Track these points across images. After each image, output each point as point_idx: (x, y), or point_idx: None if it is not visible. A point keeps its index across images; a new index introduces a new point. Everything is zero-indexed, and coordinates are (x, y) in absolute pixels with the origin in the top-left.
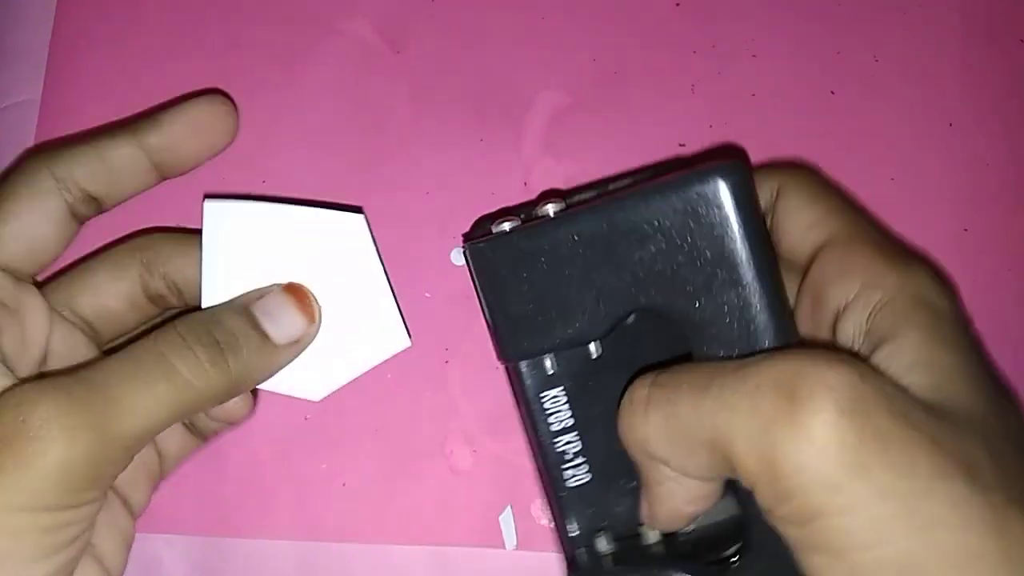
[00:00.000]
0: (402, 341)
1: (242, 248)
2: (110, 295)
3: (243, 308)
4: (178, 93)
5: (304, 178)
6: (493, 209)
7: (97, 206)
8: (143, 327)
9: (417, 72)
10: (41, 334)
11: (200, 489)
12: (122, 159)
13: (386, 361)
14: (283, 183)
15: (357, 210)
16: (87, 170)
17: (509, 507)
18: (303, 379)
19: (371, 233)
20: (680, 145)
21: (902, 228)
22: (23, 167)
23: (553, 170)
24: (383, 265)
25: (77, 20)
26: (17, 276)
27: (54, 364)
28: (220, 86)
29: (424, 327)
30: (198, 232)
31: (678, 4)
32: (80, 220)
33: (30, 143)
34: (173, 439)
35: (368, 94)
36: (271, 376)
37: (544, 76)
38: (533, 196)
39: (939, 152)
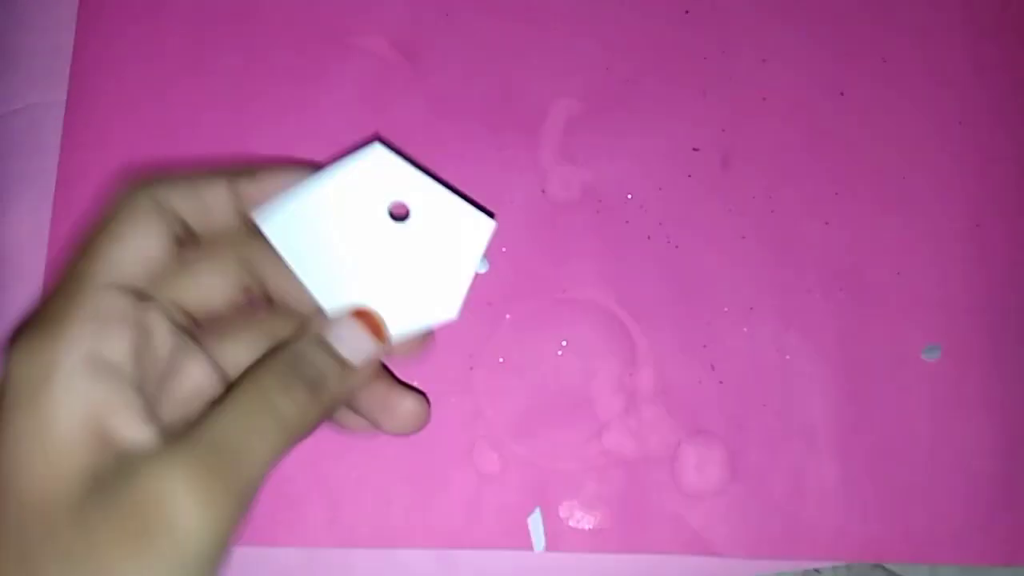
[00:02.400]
0: (487, 224)
1: (314, 237)
2: (216, 299)
3: (320, 339)
4: (199, 102)
5: None
6: (512, 216)
7: (191, 239)
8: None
9: (433, 85)
10: (165, 349)
11: None
12: (215, 198)
13: (411, 368)
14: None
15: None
16: (186, 202)
17: (538, 509)
18: (432, 306)
19: (397, 153)
20: (694, 150)
21: (914, 226)
22: (126, 193)
23: (570, 177)
24: (426, 174)
25: (101, 21)
26: (141, 296)
27: (169, 377)
28: (240, 102)
29: (448, 334)
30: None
31: (687, 12)
32: (178, 247)
33: (56, 143)
34: None
35: (386, 107)
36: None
37: (558, 85)
38: (551, 202)
39: (949, 150)
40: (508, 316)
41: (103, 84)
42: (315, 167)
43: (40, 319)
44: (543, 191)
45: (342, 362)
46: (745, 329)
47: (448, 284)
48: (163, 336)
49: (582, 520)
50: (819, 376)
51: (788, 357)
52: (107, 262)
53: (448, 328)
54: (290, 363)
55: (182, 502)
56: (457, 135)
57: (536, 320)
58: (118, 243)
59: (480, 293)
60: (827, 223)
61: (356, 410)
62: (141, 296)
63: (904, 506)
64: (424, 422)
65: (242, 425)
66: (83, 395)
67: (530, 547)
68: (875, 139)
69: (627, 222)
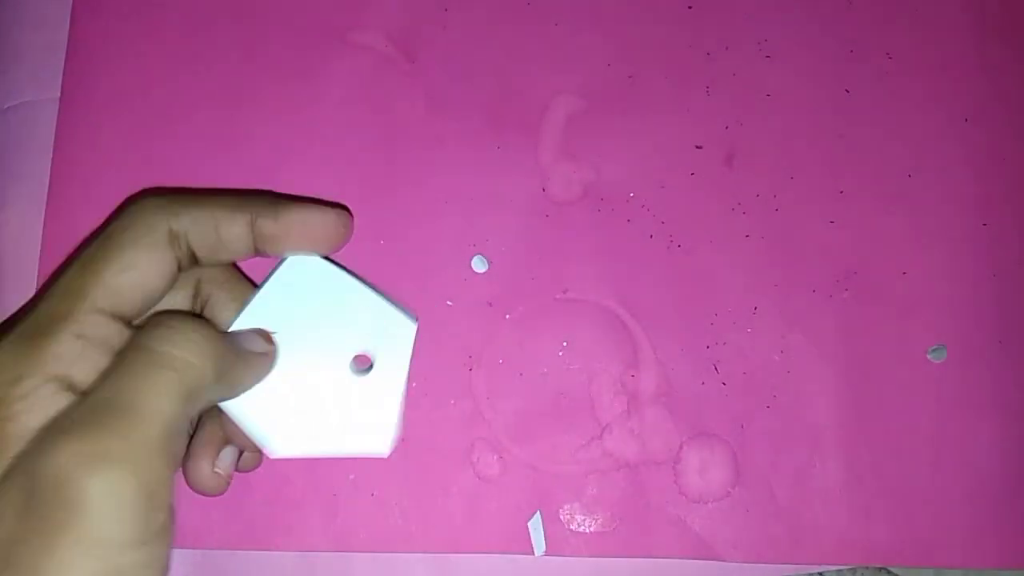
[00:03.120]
0: (382, 447)
1: (296, 300)
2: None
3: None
4: (195, 99)
5: (323, 189)
6: (512, 215)
7: (195, 265)
8: None
9: (432, 81)
10: None
11: (228, 503)
12: (232, 235)
13: (411, 370)
14: (302, 195)
15: (415, 317)
16: (201, 235)
17: (538, 512)
18: (272, 427)
19: (414, 343)
20: (697, 147)
21: (920, 225)
22: (143, 216)
23: (571, 174)
24: (408, 375)
25: (95, 18)
26: (125, 322)
27: None
28: (236, 99)
29: (447, 335)
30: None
31: (690, 7)
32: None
33: (49, 141)
34: None
35: (384, 104)
36: (244, 385)
37: (559, 81)
38: (552, 201)
39: (955, 147)
40: (508, 316)
41: (97, 82)
42: (341, 207)
43: (26, 328)
44: (543, 190)
45: (239, 341)
46: (749, 330)
47: (380, 421)
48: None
49: (583, 524)
50: (823, 377)
51: (792, 358)
52: (106, 287)
53: (447, 328)
54: (182, 317)
55: (78, 474)
56: (456, 133)
57: (536, 320)
58: (122, 270)
59: (480, 293)
60: (832, 222)
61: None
62: (129, 324)
63: (909, 509)
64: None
65: (132, 382)
66: (40, 411)
67: (531, 551)
68: (881, 137)
69: (629, 221)
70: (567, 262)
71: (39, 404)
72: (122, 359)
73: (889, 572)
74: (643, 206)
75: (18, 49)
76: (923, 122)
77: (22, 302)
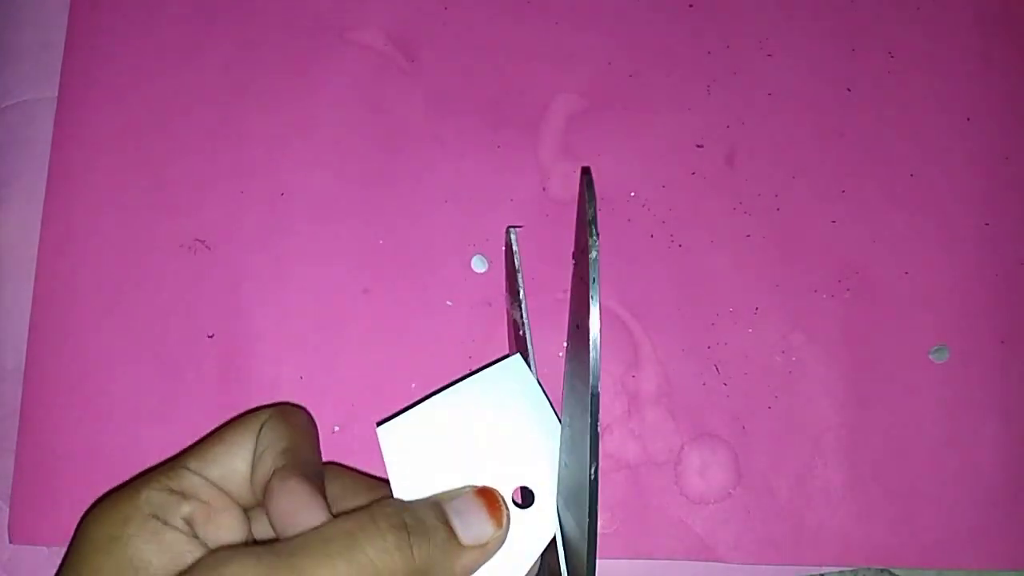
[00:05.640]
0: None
1: (423, 454)
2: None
3: (436, 503)
4: (193, 97)
5: (321, 189)
6: (512, 214)
7: None
8: None
9: (431, 80)
10: (229, 518)
11: None
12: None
13: (409, 370)
14: (301, 195)
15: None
16: (265, 445)
17: None
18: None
19: (533, 371)
20: (698, 146)
21: (922, 224)
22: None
23: (571, 174)
24: (551, 406)
25: (92, 16)
26: (219, 487)
27: None
28: (234, 97)
29: (447, 335)
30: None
31: (691, 5)
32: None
33: (47, 140)
34: None
35: (383, 103)
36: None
37: (559, 80)
38: (552, 200)
39: (958, 147)
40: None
41: (94, 80)
42: None
43: (127, 488)
44: (543, 189)
45: (451, 531)
46: (750, 330)
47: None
48: (227, 515)
49: None
50: (825, 378)
51: (794, 358)
52: (204, 460)
53: (447, 328)
54: (390, 508)
55: None
56: (456, 132)
57: (536, 320)
58: (222, 449)
59: (480, 293)
60: (834, 221)
61: None
62: (219, 487)
63: (911, 510)
64: None
65: (314, 547)
66: (147, 540)
67: None
68: (883, 135)
69: (629, 220)
70: (567, 262)
71: (141, 534)
72: (327, 525)
73: (891, 574)
74: (643, 205)
75: (16, 48)
76: (925, 121)
77: (20, 299)
